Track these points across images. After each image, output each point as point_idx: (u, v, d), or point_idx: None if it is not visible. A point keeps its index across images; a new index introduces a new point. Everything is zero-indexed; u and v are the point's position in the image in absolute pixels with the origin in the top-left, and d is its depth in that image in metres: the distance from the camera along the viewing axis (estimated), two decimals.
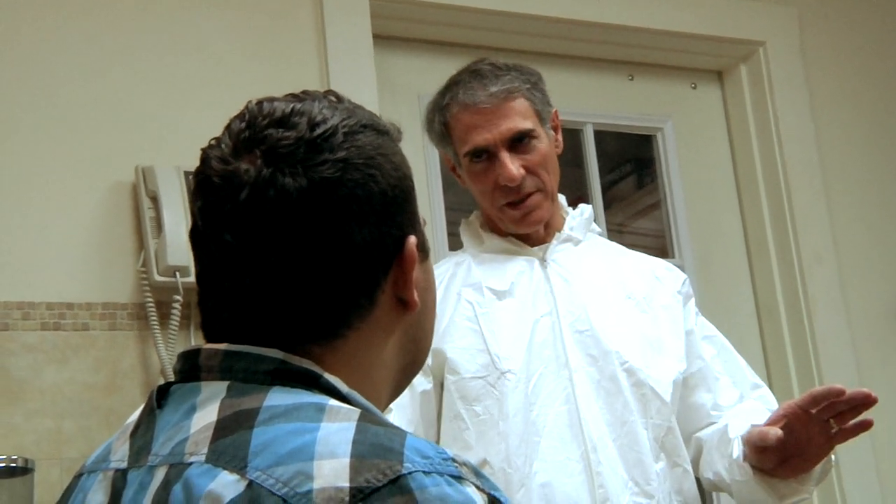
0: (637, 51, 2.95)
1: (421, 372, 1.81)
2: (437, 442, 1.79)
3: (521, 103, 1.87)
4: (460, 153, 1.90)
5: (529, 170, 1.86)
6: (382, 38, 2.62)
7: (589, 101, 2.88)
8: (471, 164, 1.90)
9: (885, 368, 2.92)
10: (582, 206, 2.01)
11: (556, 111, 1.96)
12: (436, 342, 1.82)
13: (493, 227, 1.96)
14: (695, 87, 3.07)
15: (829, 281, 2.89)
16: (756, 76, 3.01)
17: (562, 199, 2.00)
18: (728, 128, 3.06)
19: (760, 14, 3.01)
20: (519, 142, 1.86)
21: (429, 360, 1.82)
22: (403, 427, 1.77)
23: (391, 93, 2.65)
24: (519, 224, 1.90)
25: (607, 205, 2.92)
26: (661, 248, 2.97)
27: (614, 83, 2.97)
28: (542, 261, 1.92)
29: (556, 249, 1.93)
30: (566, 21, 2.79)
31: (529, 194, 1.87)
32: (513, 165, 1.85)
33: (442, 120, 1.91)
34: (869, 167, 3.06)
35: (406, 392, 1.81)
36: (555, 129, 1.95)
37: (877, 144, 3.09)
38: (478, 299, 1.87)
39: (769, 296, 2.93)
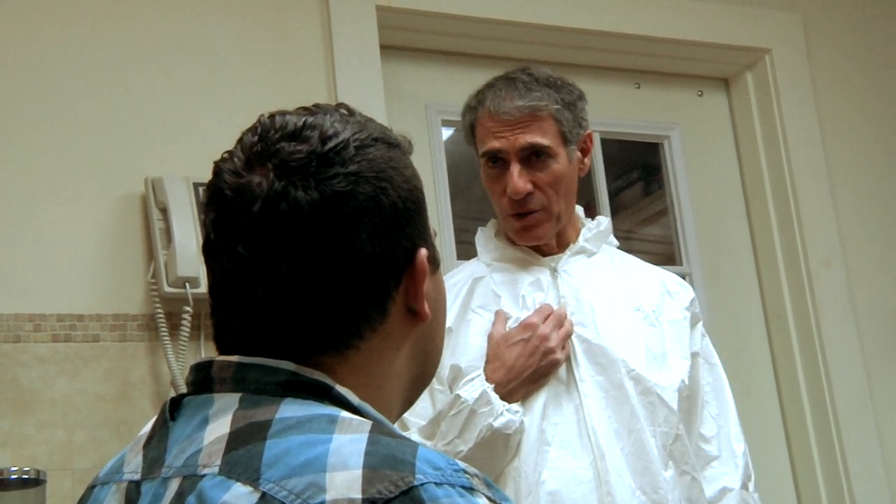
0: (643, 59, 2.96)
1: (438, 385, 1.83)
2: None
3: (545, 122, 1.87)
4: (479, 154, 1.92)
5: (538, 186, 1.87)
6: (390, 49, 2.63)
7: (596, 109, 2.84)
8: (486, 166, 1.92)
9: (894, 374, 2.91)
10: (600, 218, 2.01)
11: (589, 133, 1.95)
12: (453, 358, 1.83)
13: (507, 236, 1.96)
14: (701, 95, 3.07)
15: (837, 287, 2.89)
16: (762, 83, 3.01)
17: (580, 210, 2.00)
18: (735, 135, 3.06)
19: (766, 21, 3.02)
20: (533, 157, 1.87)
21: (445, 373, 1.83)
22: (425, 420, 1.79)
23: (399, 103, 2.65)
24: (519, 236, 1.92)
25: (614, 212, 2.92)
26: (668, 255, 2.97)
27: (621, 91, 2.97)
28: (554, 271, 1.92)
29: (569, 261, 1.94)
30: (573, 30, 2.80)
31: (533, 211, 1.88)
32: (520, 179, 1.86)
33: (470, 121, 1.94)
34: (876, 172, 3.06)
35: (429, 407, 1.83)
36: (584, 151, 1.95)
37: (884, 150, 3.09)
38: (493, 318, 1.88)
39: (777, 302, 2.93)
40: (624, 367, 1.83)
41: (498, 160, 1.89)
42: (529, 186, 1.86)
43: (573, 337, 1.85)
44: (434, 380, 1.81)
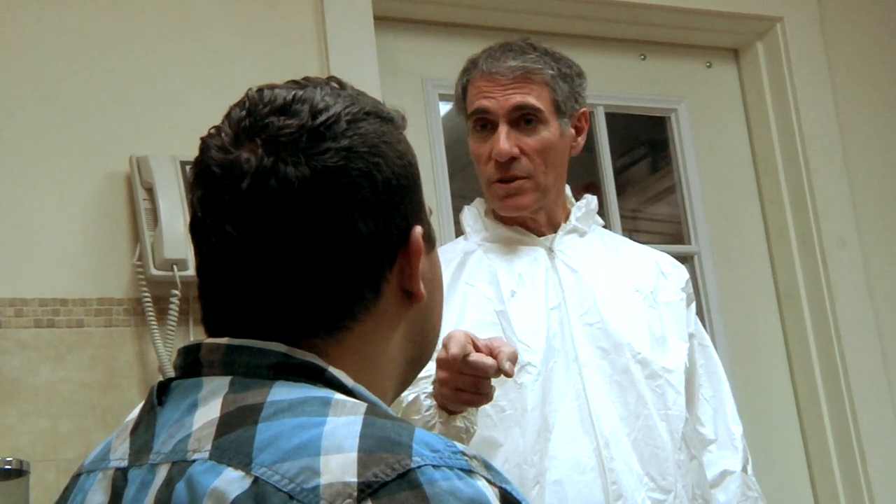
0: (649, 29, 2.96)
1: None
2: None
3: (538, 86, 1.88)
4: (467, 116, 1.93)
5: (525, 152, 1.87)
6: (384, 20, 2.63)
7: (600, 82, 2.88)
8: (473, 130, 1.92)
9: None
10: (587, 196, 2.02)
11: (584, 112, 1.96)
12: (442, 332, 1.82)
13: (497, 214, 1.97)
14: (710, 66, 3.07)
15: (853, 265, 2.90)
16: (773, 53, 3.01)
17: (567, 190, 2.01)
18: (745, 108, 3.07)
19: None
20: (522, 120, 1.87)
21: (439, 346, 1.81)
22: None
23: (394, 77, 2.65)
24: (501, 204, 1.91)
25: (620, 190, 2.92)
26: (676, 234, 2.98)
27: (626, 63, 2.97)
28: (550, 251, 1.93)
29: (563, 240, 1.94)
30: None
31: (517, 178, 1.88)
32: (507, 140, 1.86)
33: (462, 84, 1.95)
34: (893, 146, 3.06)
35: None
36: (577, 129, 1.95)
37: None
38: (495, 294, 1.88)
39: (790, 282, 2.94)
40: (629, 351, 1.84)
41: (486, 124, 1.89)
42: (516, 150, 1.86)
43: (574, 319, 1.86)
44: None
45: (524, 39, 1.94)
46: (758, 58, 3.03)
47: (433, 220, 1.07)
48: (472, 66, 1.93)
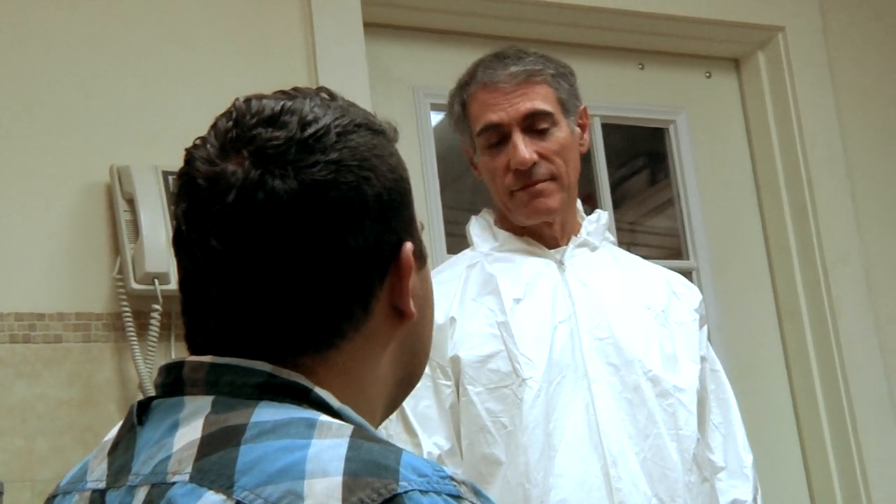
0: (648, 38, 2.97)
1: (444, 380, 1.82)
2: (461, 455, 1.81)
3: (542, 87, 1.91)
4: (475, 133, 1.93)
5: (544, 156, 1.89)
6: (374, 27, 2.63)
7: (597, 92, 2.89)
8: (484, 145, 1.92)
9: None
10: (599, 211, 2.03)
11: (584, 108, 1.98)
12: (454, 349, 1.83)
13: (507, 225, 1.97)
14: (710, 76, 3.08)
15: (855, 281, 2.91)
16: (775, 63, 3.02)
17: (578, 203, 2.02)
18: (746, 119, 3.08)
19: None
20: (535, 126, 1.89)
21: (446, 365, 1.82)
22: (441, 445, 1.77)
23: (384, 85, 2.66)
24: (527, 211, 1.91)
25: (617, 203, 2.93)
26: (674, 248, 2.99)
27: (624, 73, 2.98)
28: (560, 264, 1.93)
29: (573, 254, 1.95)
30: (572, 7, 2.80)
31: (541, 181, 1.89)
32: (525, 148, 1.87)
33: (461, 101, 1.95)
34: None
35: (433, 406, 1.81)
36: (581, 126, 1.97)
37: None
38: (497, 305, 1.88)
39: (791, 298, 2.94)
40: (640, 368, 1.85)
41: (498, 137, 1.90)
42: (535, 157, 1.88)
43: (584, 333, 1.87)
44: (440, 374, 1.83)
45: (512, 47, 1.96)
46: (759, 68, 3.04)
47: (424, 235, 1.07)
48: (468, 80, 1.94)
